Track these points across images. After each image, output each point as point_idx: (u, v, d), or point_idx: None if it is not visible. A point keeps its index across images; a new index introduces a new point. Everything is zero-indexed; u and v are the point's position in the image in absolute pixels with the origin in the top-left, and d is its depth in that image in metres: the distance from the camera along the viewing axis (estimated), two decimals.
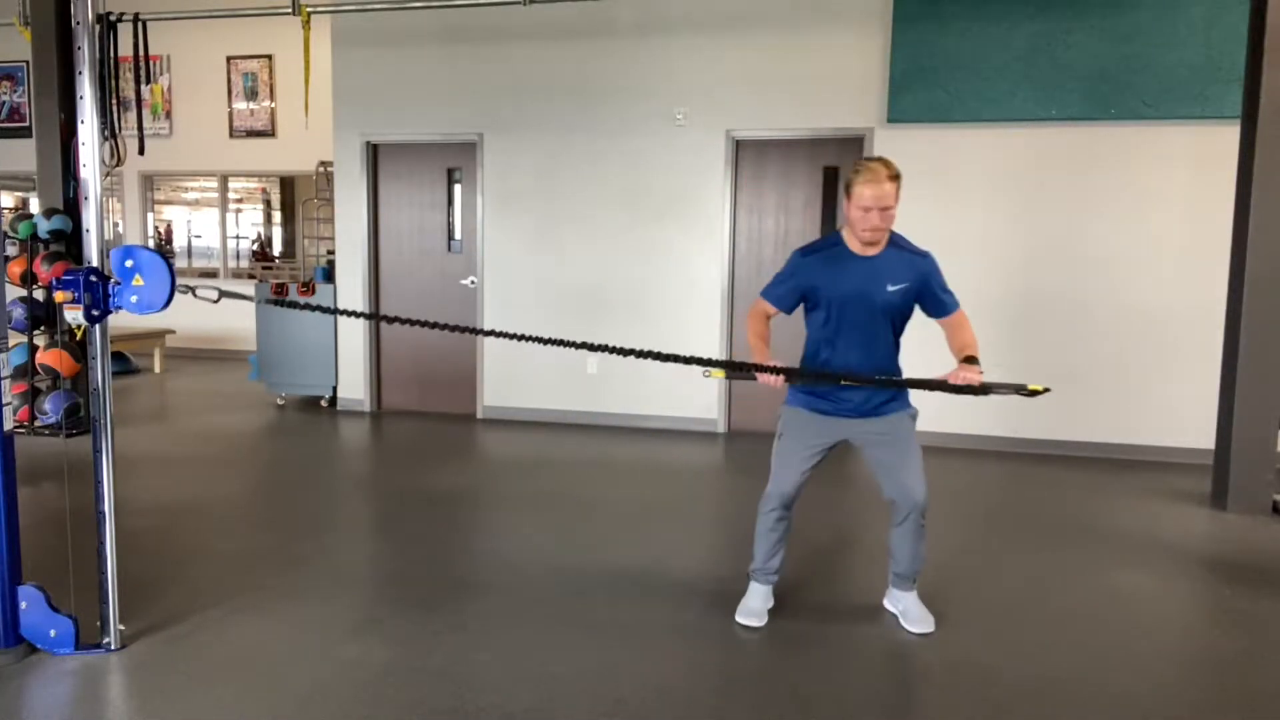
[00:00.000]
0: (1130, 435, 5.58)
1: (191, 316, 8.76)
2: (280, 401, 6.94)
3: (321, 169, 7.71)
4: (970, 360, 2.75)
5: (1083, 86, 5.40)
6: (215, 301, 2.68)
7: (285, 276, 9.65)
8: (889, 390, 2.87)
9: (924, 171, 5.74)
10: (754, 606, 3.03)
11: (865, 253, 2.82)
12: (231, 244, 10.12)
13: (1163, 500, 4.67)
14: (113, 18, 5.93)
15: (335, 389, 6.84)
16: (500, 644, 2.81)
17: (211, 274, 10.03)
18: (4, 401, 2.57)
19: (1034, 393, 2.79)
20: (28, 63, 6.92)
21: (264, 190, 10.28)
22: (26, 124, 9.36)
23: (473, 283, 6.57)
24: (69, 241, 5.56)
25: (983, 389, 2.69)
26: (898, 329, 2.89)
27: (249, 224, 10.40)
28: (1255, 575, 3.60)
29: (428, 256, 6.72)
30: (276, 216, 10.41)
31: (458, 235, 6.66)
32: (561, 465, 5.31)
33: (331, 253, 7.20)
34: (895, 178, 2.72)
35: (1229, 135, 4.76)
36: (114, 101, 5.82)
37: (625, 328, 6.07)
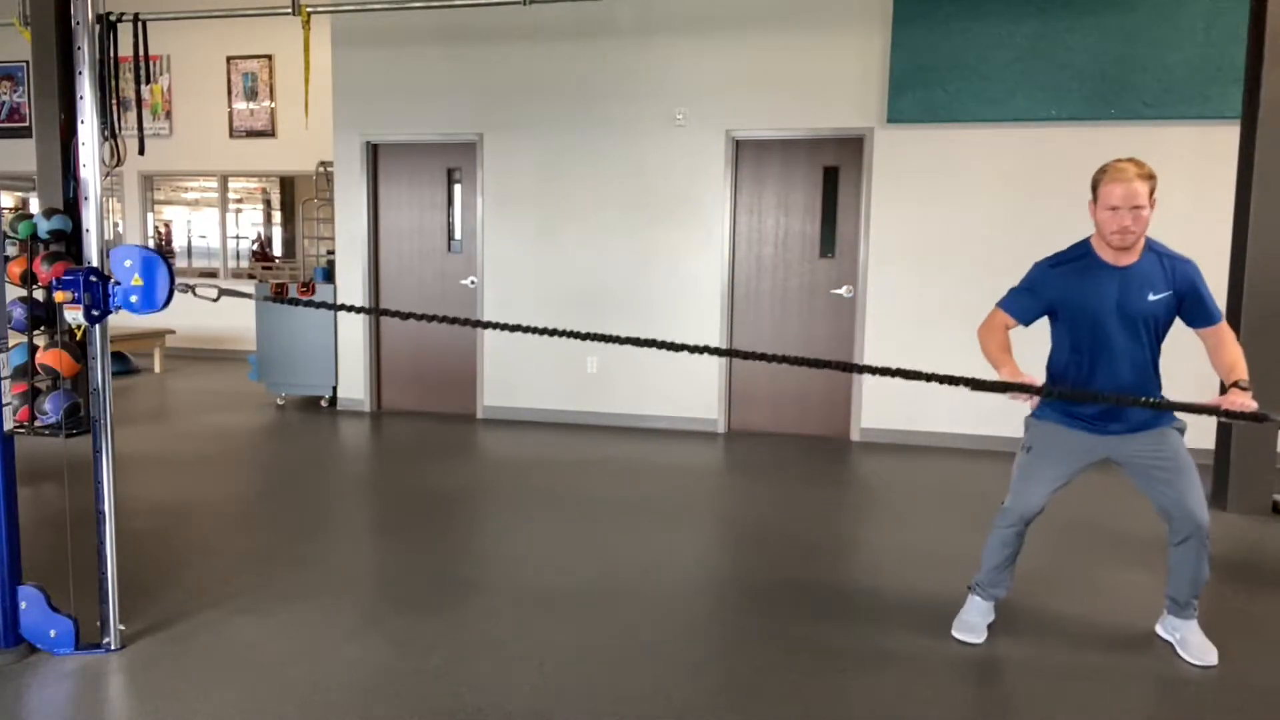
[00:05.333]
0: None
1: (191, 316, 8.77)
2: (280, 401, 6.94)
3: (321, 169, 7.72)
4: (1240, 385, 2.53)
5: (1083, 86, 5.41)
6: (215, 300, 2.68)
7: (285, 277, 9.66)
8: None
9: (923, 172, 5.75)
10: (971, 621, 2.90)
11: (1119, 261, 2.62)
12: (231, 244, 10.12)
13: None
14: (113, 18, 5.94)
15: (335, 389, 6.84)
16: (500, 644, 2.81)
17: (212, 274, 10.03)
18: (4, 401, 2.57)
19: None
20: (28, 63, 6.93)
21: (264, 190, 10.29)
22: (26, 124, 9.36)
23: (473, 283, 6.57)
24: (69, 241, 5.55)
25: (1259, 417, 2.41)
26: (1158, 344, 2.69)
27: (249, 224, 10.40)
28: (1255, 575, 3.60)
29: (428, 256, 6.72)
30: (276, 216, 10.41)
31: (458, 235, 6.67)
32: (561, 465, 5.31)
33: (331, 253, 7.20)
34: (1148, 177, 2.54)
35: (1229, 135, 4.76)
36: (114, 101, 5.83)
37: (625, 327, 6.06)
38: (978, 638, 2.87)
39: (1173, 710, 2.52)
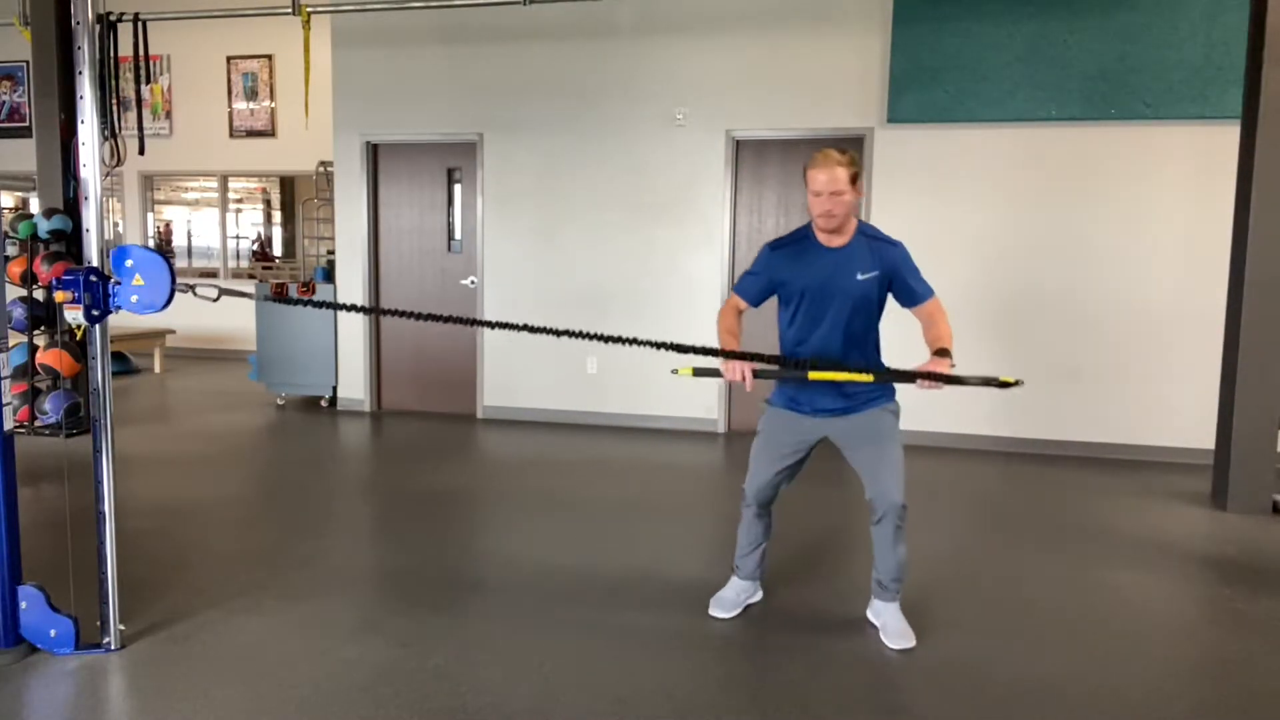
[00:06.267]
0: (1130, 435, 5.58)
1: (191, 316, 8.76)
2: (280, 401, 6.94)
3: (321, 169, 7.71)
4: (942, 353, 2.70)
5: (1083, 86, 5.40)
6: (215, 300, 2.68)
7: (285, 277, 9.65)
8: (867, 386, 2.82)
9: (924, 171, 5.75)
10: (725, 597, 3.09)
11: (832, 243, 2.80)
12: (231, 244, 10.12)
13: (1163, 500, 4.67)
14: (113, 18, 5.93)
15: (335, 389, 6.84)
16: (500, 644, 2.81)
17: (211, 274, 10.03)
18: (4, 401, 2.57)
19: (1006, 384, 2.65)
20: (28, 63, 6.92)
21: (264, 190, 10.28)
22: (26, 124, 9.36)
23: (473, 283, 6.57)
24: (69, 241, 5.55)
25: (954, 380, 2.63)
26: (872, 321, 2.85)
27: (249, 224, 10.40)
28: (1255, 575, 3.60)
29: (428, 256, 6.72)
30: (276, 216, 10.41)
31: (458, 235, 6.67)
32: (561, 465, 5.31)
33: (331, 253, 7.20)
34: (848, 165, 2.74)
35: (1229, 135, 4.76)
36: (114, 101, 5.83)
37: (625, 328, 6.06)
38: (726, 613, 3.04)
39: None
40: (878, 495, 2.81)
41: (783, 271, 2.84)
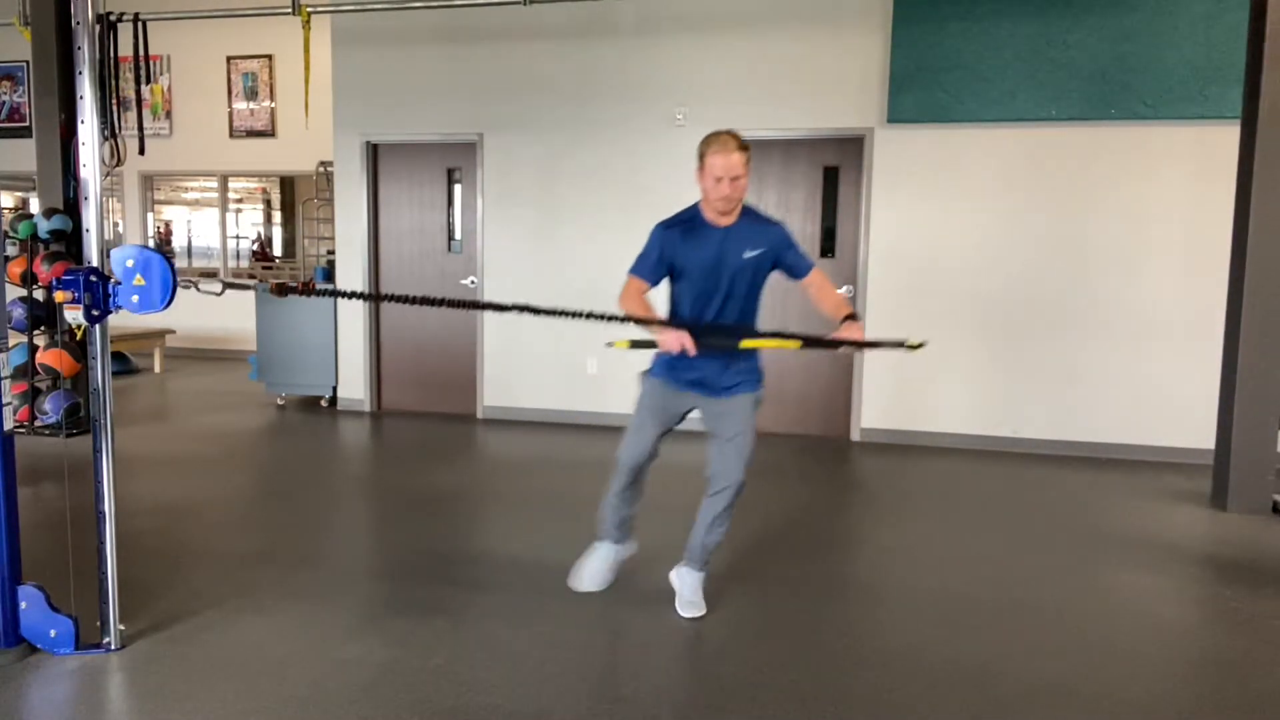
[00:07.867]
0: (1130, 435, 5.58)
1: (192, 317, 8.77)
2: (280, 401, 6.94)
3: (321, 169, 7.71)
4: (852, 317, 2.86)
5: (1083, 86, 5.40)
6: (219, 294, 2.69)
7: (285, 277, 9.65)
8: (743, 372, 2.96)
9: (924, 171, 5.75)
10: (593, 567, 3.17)
11: (720, 223, 2.91)
12: (231, 244, 10.12)
13: (1163, 500, 4.67)
14: (113, 18, 5.93)
15: (335, 389, 6.84)
16: (500, 644, 2.81)
17: (212, 274, 10.02)
18: (4, 401, 2.57)
19: (914, 347, 2.86)
20: (28, 63, 6.92)
21: (264, 190, 10.28)
22: (26, 124, 9.36)
23: (473, 283, 6.57)
24: (69, 241, 5.55)
25: (869, 344, 2.84)
26: (757, 295, 3.01)
27: (249, 224, 10.40)
28: (1255, 575, 3.60)
29: (428, 256, 6.72)
30: (276, 216, 10.41)
31: (458, 235, 6.67)
32: (561, 465, 5.31)
33: (331, 253, 7.20)
34: (744, 148, 2.83)
35: (1229, 135, 4.76)
36: (114, 101, 5.83)
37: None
38: (595, 586, 3.16)
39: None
40: (722, 470, 2.94)
41: (675, 250, 2.94)
